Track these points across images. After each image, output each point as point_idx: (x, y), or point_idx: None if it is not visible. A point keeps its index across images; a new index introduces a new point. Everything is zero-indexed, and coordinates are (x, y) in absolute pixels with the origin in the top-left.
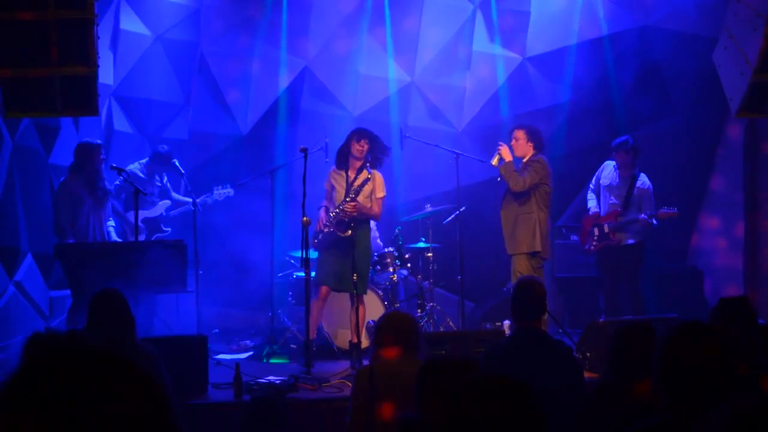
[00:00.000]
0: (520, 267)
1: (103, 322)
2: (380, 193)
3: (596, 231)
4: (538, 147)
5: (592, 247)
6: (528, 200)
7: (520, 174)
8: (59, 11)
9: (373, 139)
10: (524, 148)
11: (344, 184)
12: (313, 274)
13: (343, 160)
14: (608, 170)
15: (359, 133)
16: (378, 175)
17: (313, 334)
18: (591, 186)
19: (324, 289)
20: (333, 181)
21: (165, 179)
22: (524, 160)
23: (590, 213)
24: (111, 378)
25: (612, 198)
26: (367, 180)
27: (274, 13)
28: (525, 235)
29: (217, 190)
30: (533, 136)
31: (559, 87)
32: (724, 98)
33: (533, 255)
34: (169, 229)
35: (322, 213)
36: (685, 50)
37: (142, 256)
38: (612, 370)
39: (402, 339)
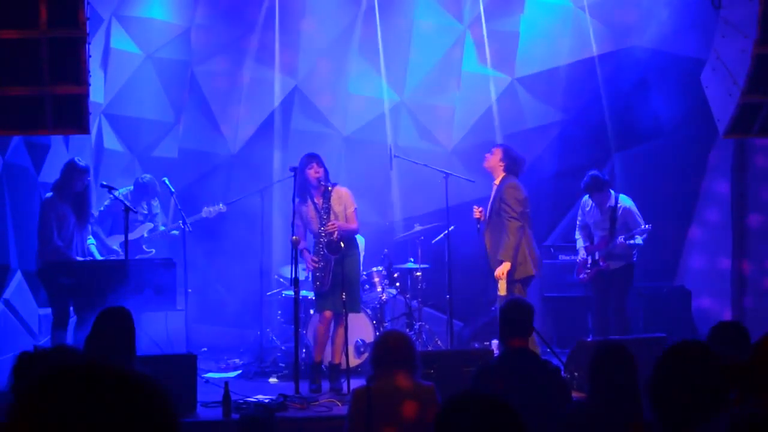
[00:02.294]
0: (505, 291)
1: (105, 340)
2: (351, 207)
3: (589, 260)
4: (508, 170)
5: (585, 276)
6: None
7: (506, 220)
8: (51, 30)
9: (321, 160)
10: (495, 164)
11: (315, 213)
12: (303, 293)
13: (304, 192)
14: (589, 207)
15: (308, 159)
16: (343, 190)
17: (318, 357)
18: (578, 223)
19: (328, 313)
20: (304, 215)
21: (156, 205)
22: (495, 181)
23: (581, 253)
24: (121, 394)
25: (599, 231)
26: (330, 193)
27: (265, 32)
28: (518, 260)
29: (207, 208)
30: (507, 158)
31: (548, 108)
32: (713, 119)
33: (527, 279)
34: (153, 250)
35: (307, 254)
36: (673, 71)
37: (131, 275)
38: (593, 393)
39: (399, 359)
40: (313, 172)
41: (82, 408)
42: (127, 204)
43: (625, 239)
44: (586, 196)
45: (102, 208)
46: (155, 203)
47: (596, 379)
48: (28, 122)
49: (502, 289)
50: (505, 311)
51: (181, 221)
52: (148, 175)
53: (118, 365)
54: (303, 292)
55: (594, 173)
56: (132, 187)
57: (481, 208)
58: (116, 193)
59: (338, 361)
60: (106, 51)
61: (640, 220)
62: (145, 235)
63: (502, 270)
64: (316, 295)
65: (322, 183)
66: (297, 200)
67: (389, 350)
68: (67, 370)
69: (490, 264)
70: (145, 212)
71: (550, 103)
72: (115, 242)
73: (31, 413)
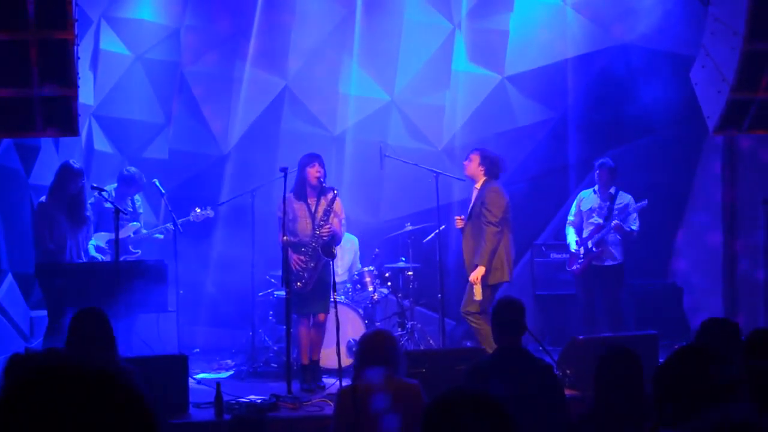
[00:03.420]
0: (481, 295)
1: (84, 341)
2: (342, 215)
3: (582, 250)
4: (489, 173)
5: (578, 266)
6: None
7: (484, 225)
8: (40, 31)
9: (322, 161)
10: (475, 170)
11: (307, 213)
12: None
13: (301, 190)
14: (587, 196)
15: (311, 158)
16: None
17: (306, 359)
18: (569, 219)
19: (310, 317)
20: (292, 211)
21: (139, 204)
22: (477, 185)
23: (569, 243)
24: (98, 394)
25: (594, 217)
26: (334, 198)
27: (254, 33)
28: (493, 265)
29: (194, 213)
30: (485, 161)
31: (538, 106)
32: (702, 116)
33: (498, 285)
34: (139, 251)
35: (293, 254)
36: (663, 68)
37: (122, 277)
38: (599, 399)
39: (383, 357)
40: (315, 172)
41: (61, 409)
42: (117, 206)
43: (621, 221)
44: (586, 192)
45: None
46: (139, 201)
47: (602, 383)
48: (17, 124)
49: (477, 293)
50: (496, 311)
51: (170, 223)
52: (133, 168)
53: (100, 366)
54: None
55: (604, 160)
56: (116, 184)
57: (462, 217)
58: (105, 194)
59: (316, 357)
60: (96, 52)
61: (637, 216)
62: (132, 235)
63: (477, 275)
64: (295, 295)
65: (322, 183)
66: (290, 195)
67: (372, 349)
68: (47, 371)
69: (465, 267)
70: (130, 209)
71: (541, 101)
72: (101, 240)
73: (9, 414)
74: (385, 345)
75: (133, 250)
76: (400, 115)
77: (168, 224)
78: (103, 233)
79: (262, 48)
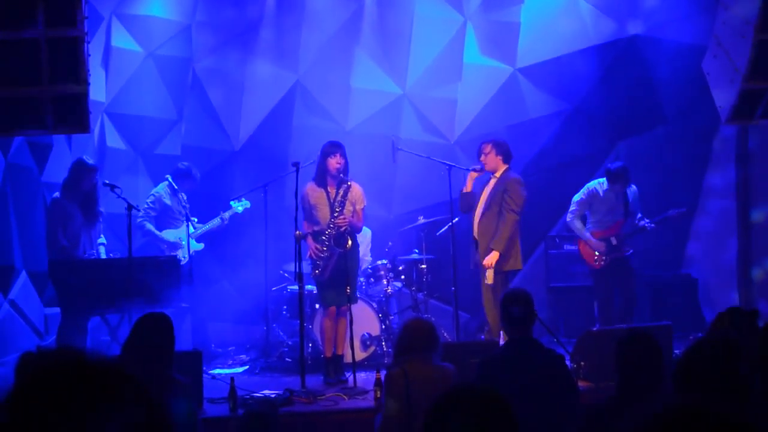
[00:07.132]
0: (496, 283)
1: (144, 345)
2: (362, 204)
3: (603, 246)
4: (507, 159)
5: (602, 263)
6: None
7: (505, 211)
8: (50, 29)
9: (344, 151)
10: (494, 160)
11: (327, 202)
12: (309, 286)
13: (321, 178)
14: (603, 194)
15: (333, 147)
16: (356, 186)
17: (330, 352)
18: (574, 211)
19: (333, 308)
20: (312, 199)
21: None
22: (496, 174)
23: (586, 235)
24: (106, 392)
25: (611, 216)
26: (348, 189)
27: (265, 28)
28: (510, 253)
29: (242, 202)
30: (500, 148)
31: (550, 97)
32: (715, 106)
33: (514, 273)
34: (202, 244)
35: (311, 241)
36: (675, 59)
37: (135, 273)
38: (622, 383)
39: (426, 343)
40: (335, 162)
41: (68, 408)
42: (129, 203)
43: (651, 222)
44: (597, 183)
45: (146, 205)
46: (184, 197)
47: (625, 368)
48: (28, 122)
49: (489, 278)
50: (504, 304)
51: (218, 218)
52: (186, 162)
53: (108, 363)
54: (308, 287)
55: (625, 165)
56: (167, 181)
57: (478, 168)
58: (117, 191)
59: (341, 352)
60: (107, 49)
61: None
62: (191, 230)
63: (492, 259)
64: (316, 285)
65: (341, 174)
66: (312, 183)
67: (416, 335)
68: (56, 370)
69: (477, 251)
70: (186, 204)
71: (553, 93)
72: (170, 237)
73: (17, 413)
74: (426, 331)
75: (197, 245)
76: (412, 108)
77: (217, 218)
78: (170, 230)
79: (273, 43)
